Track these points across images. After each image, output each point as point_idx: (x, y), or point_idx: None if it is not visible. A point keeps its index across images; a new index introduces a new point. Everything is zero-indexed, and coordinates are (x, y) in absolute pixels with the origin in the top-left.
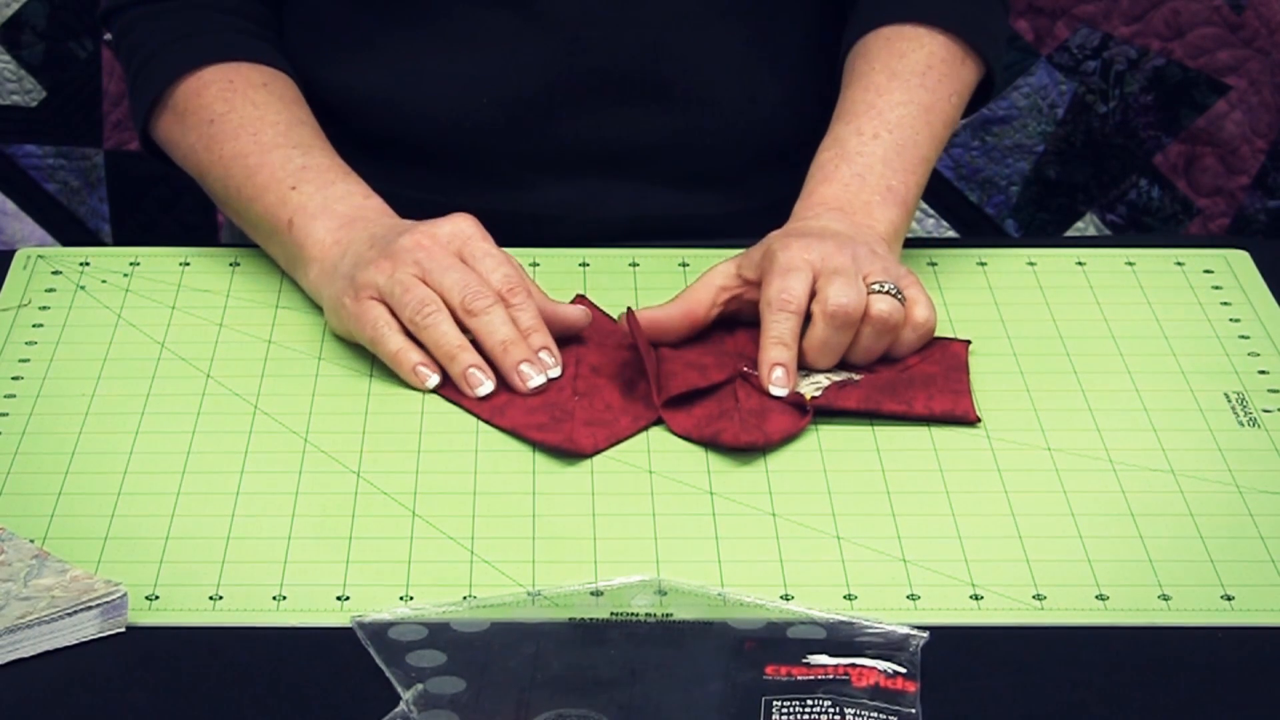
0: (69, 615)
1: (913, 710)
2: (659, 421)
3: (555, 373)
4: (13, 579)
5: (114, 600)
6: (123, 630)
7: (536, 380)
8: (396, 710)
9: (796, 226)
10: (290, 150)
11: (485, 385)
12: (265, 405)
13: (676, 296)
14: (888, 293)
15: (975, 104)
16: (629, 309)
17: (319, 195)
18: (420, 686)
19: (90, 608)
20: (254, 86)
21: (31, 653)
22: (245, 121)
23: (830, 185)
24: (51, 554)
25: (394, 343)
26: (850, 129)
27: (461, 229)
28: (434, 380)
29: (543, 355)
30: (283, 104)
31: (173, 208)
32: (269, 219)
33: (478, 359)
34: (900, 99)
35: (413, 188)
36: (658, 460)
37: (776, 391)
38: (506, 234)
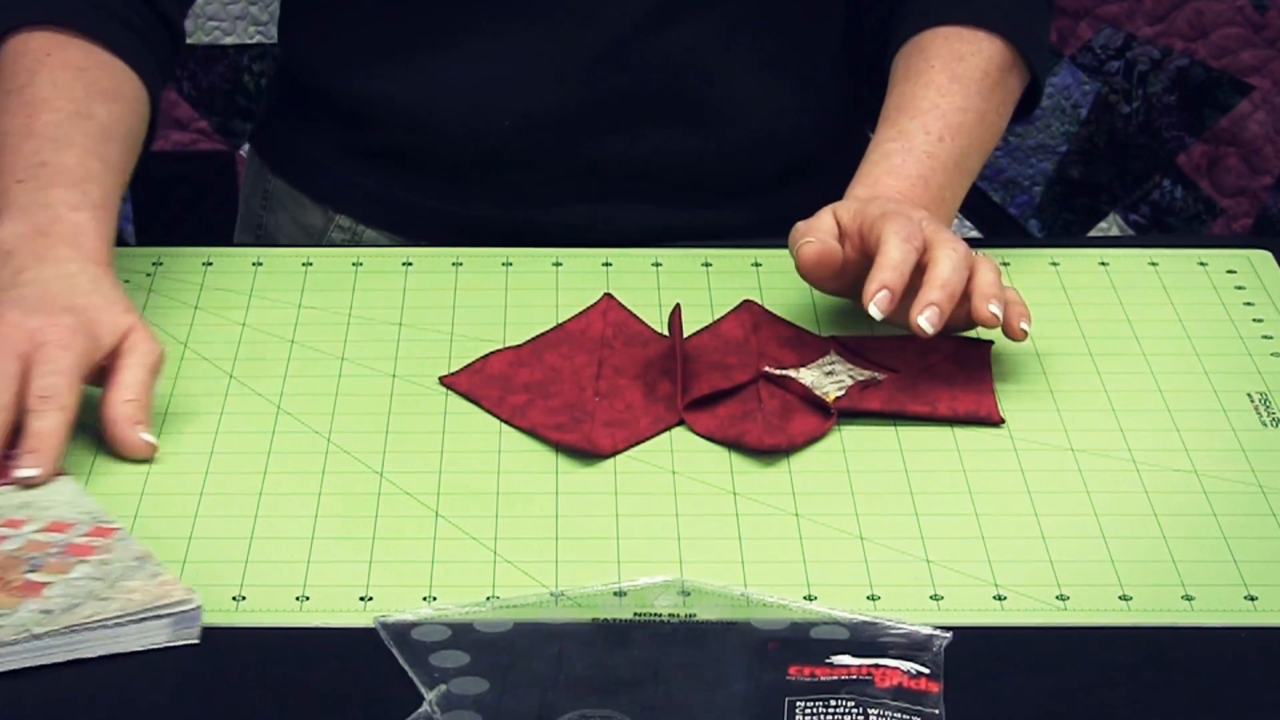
0: (136, 622)
1: (936, 711)
2: (680, 423)
3: (32, 474)
4: (104, 578)
5: (187, 611)
6: (195, 642)
7: None
8: (420, 711)
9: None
10: (44, 142)
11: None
12: (288, 405)
13: (805, 233)
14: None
15: (1018, 115)
16: (677, 305)
17: (27, 197)
18: (443, 687)
19: (160, 616)
20: (68, 67)
21: (94, 654)
22: (31, 102)
23: (895, 179)
24: (154, 556)
25: None
26: (916, 124)
27: (58, 335)
28: None
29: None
30: (86, 93)
31: (196, 209)
32: None
33: None
34: (960, 104)
35: (433, 199)
36: (680, 460)
37: (875, 312)
38: (527, 246)
